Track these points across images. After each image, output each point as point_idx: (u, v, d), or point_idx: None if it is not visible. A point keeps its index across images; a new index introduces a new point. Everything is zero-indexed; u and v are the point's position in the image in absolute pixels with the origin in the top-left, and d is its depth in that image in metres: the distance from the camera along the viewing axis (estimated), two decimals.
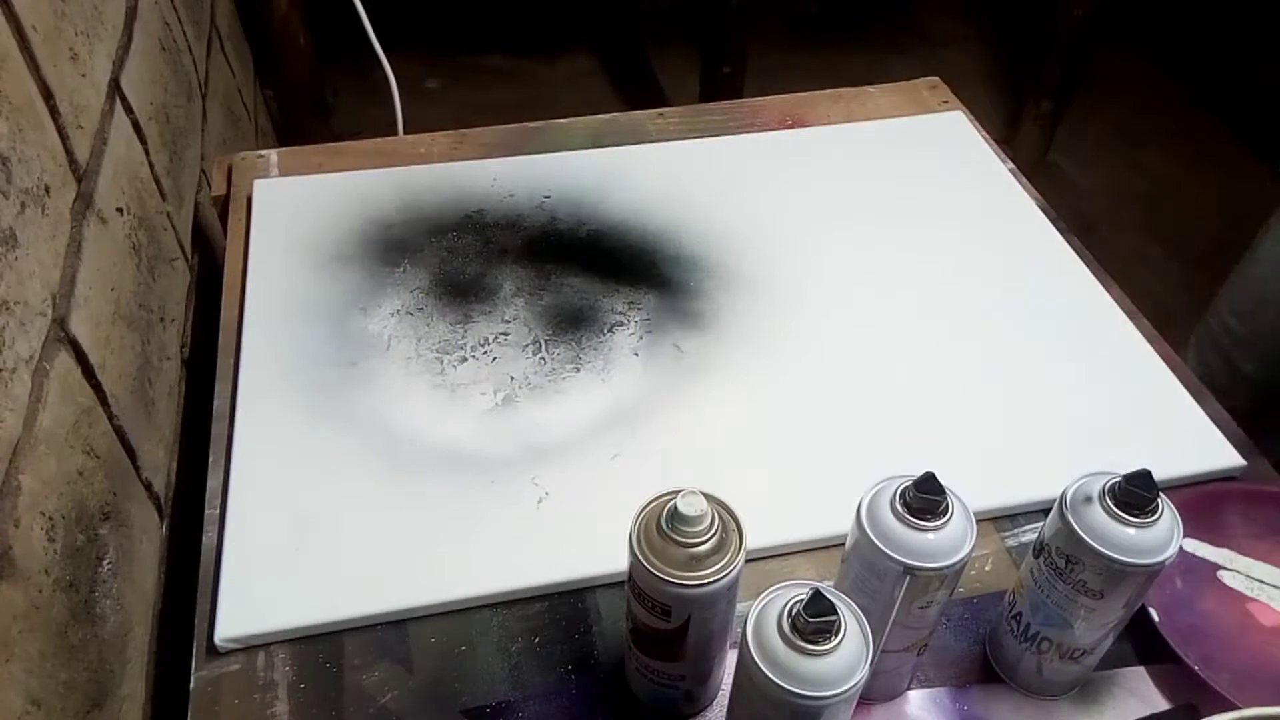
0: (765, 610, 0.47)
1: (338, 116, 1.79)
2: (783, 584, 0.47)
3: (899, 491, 0.50)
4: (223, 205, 0.89)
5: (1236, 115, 2.15)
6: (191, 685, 0.57)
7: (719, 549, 0.48)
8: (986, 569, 0.65)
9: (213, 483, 0.67)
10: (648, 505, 0.50)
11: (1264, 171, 1.96)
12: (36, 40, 0.62)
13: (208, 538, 0.64)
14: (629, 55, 2.32)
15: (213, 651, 0.59)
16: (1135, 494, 0.49)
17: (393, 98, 1.37)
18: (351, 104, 1.96)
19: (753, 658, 0.46)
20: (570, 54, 2.30)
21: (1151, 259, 1.87)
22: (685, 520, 0.47)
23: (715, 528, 0.48)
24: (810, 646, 0.44)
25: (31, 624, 0.50)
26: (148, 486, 0.70)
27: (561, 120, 0.99)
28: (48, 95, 0.62)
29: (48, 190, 0.60)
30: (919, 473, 0.49)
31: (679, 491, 0.48)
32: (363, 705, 0.56)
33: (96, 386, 0.63)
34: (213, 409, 0.73)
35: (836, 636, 0.45)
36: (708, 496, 0.49)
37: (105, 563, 0.60)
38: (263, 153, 0.93)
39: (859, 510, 0.51)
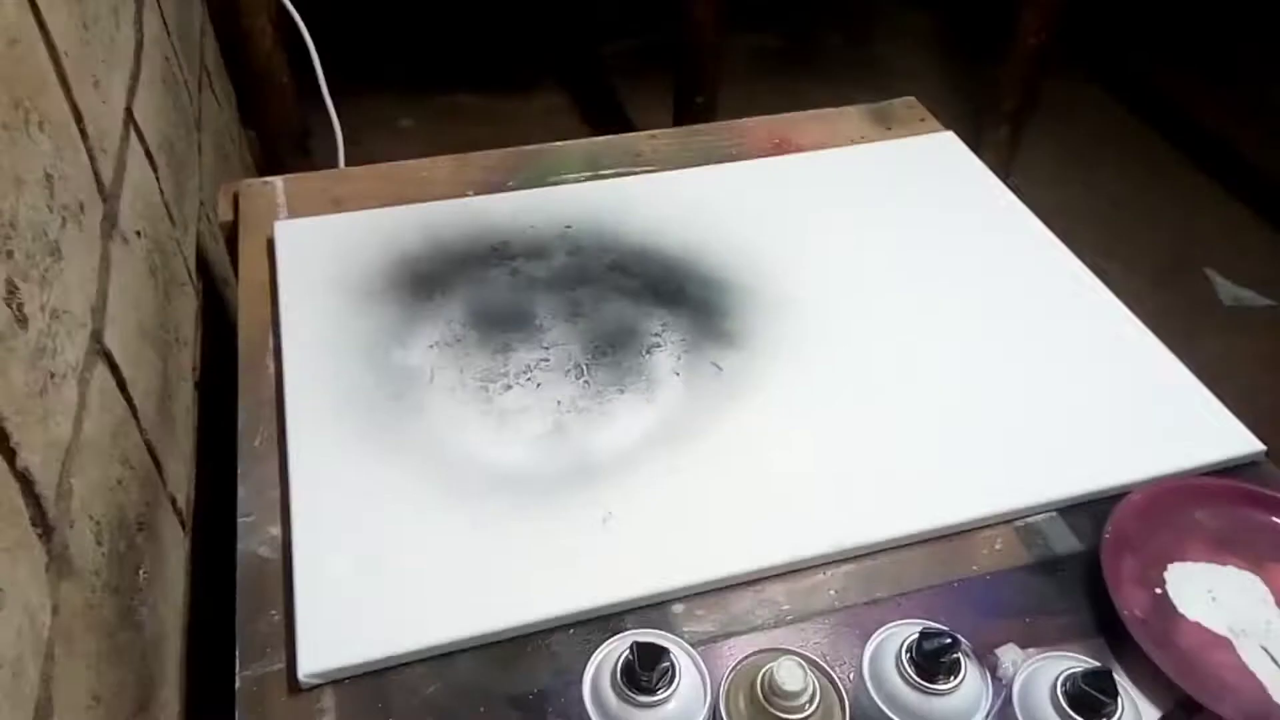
0: (881, 649, 0.48)
1: (317, 156, 1.80)
2: (894, 624, 0.48)
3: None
4: (231, 231, 0.91)
5: (1182, 136, 2.24)
6: (237, 685, 0.58)
7: None
8: (997, 548, 0.67)
9: (242, 492, 0.68)
10: (739, 665, 0.48)
11: (1215, 187, 2.04)
12: (69, 64, 0.64)
13: (243, 545, 0.65)
14: (598, 91, 2.37)
15: (256, 655, 0.59)
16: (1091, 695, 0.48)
17: (336, 139, 1.38)
18: (327, 144, 1.98)
19: (873, 699, 0.47)
20: (542, 90, 2.34)
21: (1111, 274, 1.94)
22: (785, 694, 0.45)
23: (817, 701, 0.46)
24: (932, 686, 0.45)
25: (88, 622, 0.51)
26: (173, 501, 0.71)
27: (559, 143, 1.02)
28: (79, 118, 0.64)
29: (82, 208, 0.62)
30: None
31: (776, 654, 0.46)
32: (408, 697, 0.57)
33: (129, 400, 0.64)
34: (227, 429, 0.73)
35: (957, 676, 0.46)
36: (808, 662, 0.47)
37: (141, 571, 0.61)
38: (267, 179, 0.95)
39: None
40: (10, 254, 0.49)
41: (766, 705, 0.45)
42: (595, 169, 0.99)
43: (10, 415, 0.45)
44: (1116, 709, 0.47)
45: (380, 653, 0.59)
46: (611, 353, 0.79)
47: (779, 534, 0.66)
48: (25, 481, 0.46)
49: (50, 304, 0.53)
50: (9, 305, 0.47)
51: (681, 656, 0.46)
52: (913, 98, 1.10)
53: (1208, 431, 0.75)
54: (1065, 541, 0.68)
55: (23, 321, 0.49)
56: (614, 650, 0.47)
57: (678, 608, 0.63)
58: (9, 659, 0.41)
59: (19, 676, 0.41)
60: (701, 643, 0.60)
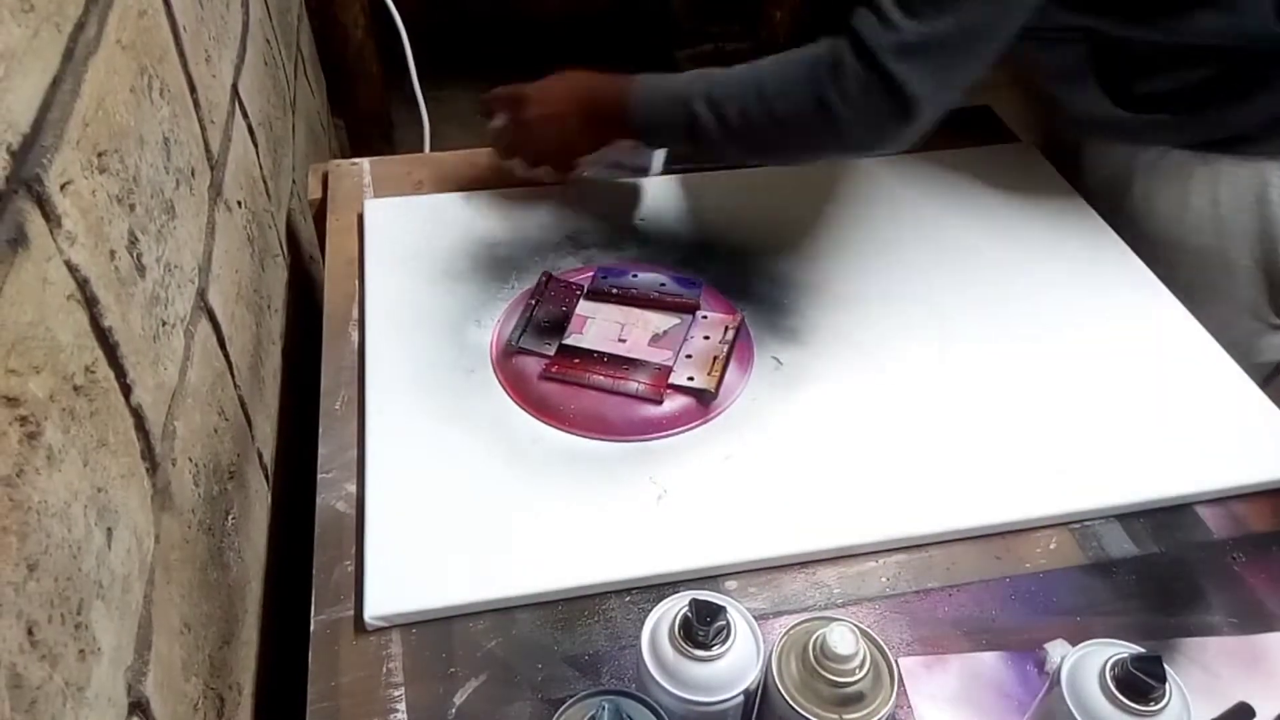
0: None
1: (399, 146, 1.86)
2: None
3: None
4: (319, 208, 0.95)
5: None
6: (312, 628, 0.61)
7: (871, 690, 0.47)
8: (1052, 547, 0.68)
9: (323, 450, 0.72)
10: (792, 630, 0.49)
11: None
12: (186, 39, 0.68)
13: (321, 498, 0.68)
14: None
15: (331, 601, 0.63)
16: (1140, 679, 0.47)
17: (423, 125, 1.43)
18: (408, 135, 2.04)
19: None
20: None
21: None
22: (836, 658, 0.46)
23: (867, 667, 0.47)
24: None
25: (184, 555, 0.54)
26: (259, 455, 0.75)
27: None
28: (193, 89, 0.68)
29: (193, 173, 0.66)
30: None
31: (829, 619, 0.47)
32: (470, 649, 0.60)
33: (226, 356, 0.68)
34: (306, 397, 0.77)
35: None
36: (859, 631, 0.47)
37: (230, 517, 0.65)
38: (355, 160, 0.99)
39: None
40: (133, 207, 0.53)
41: (818, 667, 0.46)
42: (685, 174, 1.01)
43: (128, 354, 0.49)
44: (1164, 694, 0.47)
45: (440, 602, 0.62)
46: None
47: (833, 520, 0.68)
48: (138, 417, 0.50)
49: (165, 258, 0.57)
50: (130, 253, 0.51)
51: (737, 617, 0.48)
52: (988, 105, 1.11)
53: (1272, 448, 0.75)
54: (1121, 546, 0.69)
55: (141, 270, 0.53)
56: (673, 607, 0.49)
57: (731, 583, 0.65)
58: (120, 575, 0.44)
59: (127, 592, 0.45)
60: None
